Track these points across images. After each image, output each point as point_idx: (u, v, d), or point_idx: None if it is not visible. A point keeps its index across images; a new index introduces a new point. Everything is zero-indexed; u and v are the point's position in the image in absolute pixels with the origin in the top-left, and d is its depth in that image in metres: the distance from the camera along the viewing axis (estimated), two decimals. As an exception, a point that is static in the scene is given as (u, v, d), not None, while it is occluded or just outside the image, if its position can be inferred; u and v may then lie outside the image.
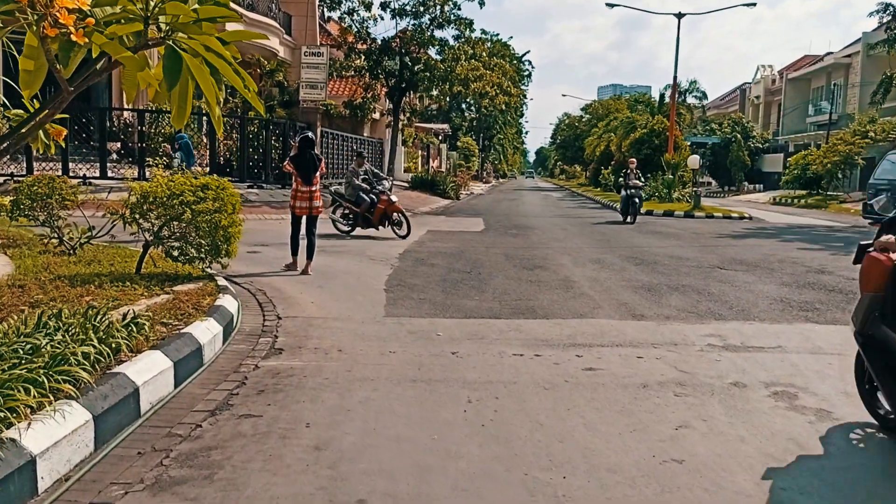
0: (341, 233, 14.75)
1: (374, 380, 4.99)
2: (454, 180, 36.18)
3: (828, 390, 4.86)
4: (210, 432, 4.00)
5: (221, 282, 7.71)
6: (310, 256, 9.64)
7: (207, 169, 22.02)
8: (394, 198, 14.77)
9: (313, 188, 9.73)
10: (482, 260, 11.44)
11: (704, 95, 68.69)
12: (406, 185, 34.23)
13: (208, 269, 8.24)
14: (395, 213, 14.57)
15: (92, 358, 4.19)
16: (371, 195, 14.59)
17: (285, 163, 10.00)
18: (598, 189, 45.85)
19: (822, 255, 12.74)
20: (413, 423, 4.18)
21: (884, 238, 4.12)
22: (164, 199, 7.58)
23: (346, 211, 14.91)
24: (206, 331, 5.55)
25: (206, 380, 4.97)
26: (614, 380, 5.05)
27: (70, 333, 4.40)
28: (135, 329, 4.84)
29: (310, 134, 10.26)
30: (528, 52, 72.05)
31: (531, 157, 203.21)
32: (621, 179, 22.21)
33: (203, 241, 7.74)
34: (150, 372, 4.46)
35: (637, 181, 20.45)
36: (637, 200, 20.16)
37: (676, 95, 40.47)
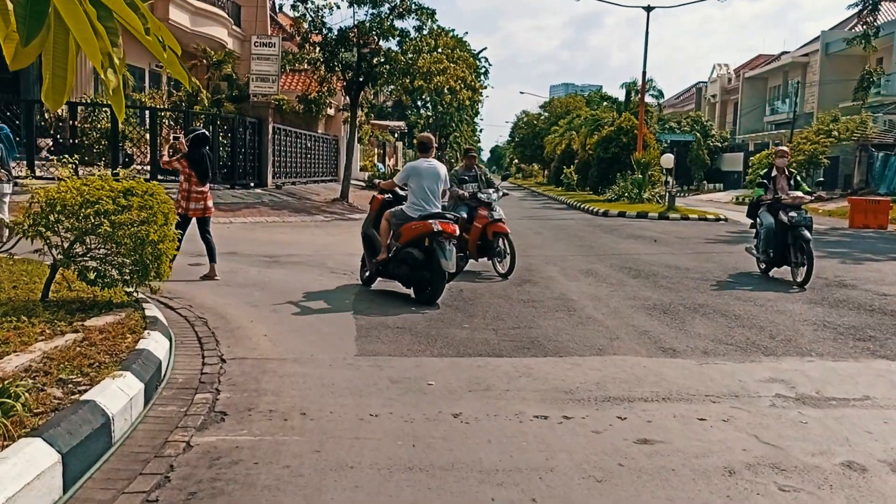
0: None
1: (353, 467, 3.55)
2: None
3: (979, 475, 3.58)
4: (105, 588, 2.53)
5: (150, 310, 6.17)
6: (213, 259, 8.95)
7: (149, 168, 20.20)
8: (497, 212, 9.87)
9: (207, 189, 9.12)
10: (460, 273, 10.02)
11: (661, 94, 68.33)
12: (363, 184, 32.67)
13: (135, 293, 6.68)
14: (499, 238, 9.72)
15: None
16: (466, 206, 10.06)
17: (171, 160, 9.04)
18: (560, 188, 44.89)
19: (830, 265, 11.63)
20: (421, 558, 2.76)
21: (384, 184, 8.76)
22: (76, 207, 6.01)
23: None
24: (118, 393, 4.04)
25: (113, 472, 3.48)
26: (685, 462, 3.67)
27: None
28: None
29: (204, 131, 9.77)
30: (484, 48, 70.52)
31: (485, 156, 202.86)
32: (761, 189, 10.33)
33: (126, 260, 6.19)
34: (19, 478, 2.95)
35: (799, 193, 9.91)
36: (806, 233, 9.46)
37: (634, 94, 39.63)
